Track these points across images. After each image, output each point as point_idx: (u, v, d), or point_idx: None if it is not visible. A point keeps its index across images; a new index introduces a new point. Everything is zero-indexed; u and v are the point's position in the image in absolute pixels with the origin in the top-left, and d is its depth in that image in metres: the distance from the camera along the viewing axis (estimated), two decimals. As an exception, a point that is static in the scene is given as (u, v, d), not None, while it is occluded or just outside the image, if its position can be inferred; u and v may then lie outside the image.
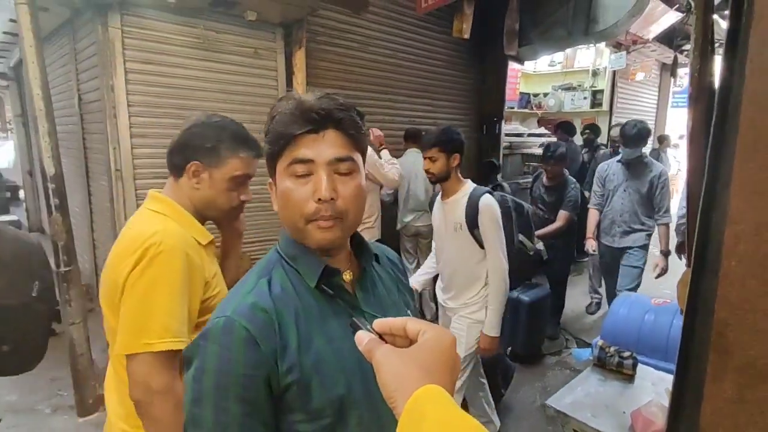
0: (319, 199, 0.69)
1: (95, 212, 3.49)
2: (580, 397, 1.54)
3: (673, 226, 3.30)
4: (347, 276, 0.79)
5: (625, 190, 3.37)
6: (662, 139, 7.99)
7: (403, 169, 3.70)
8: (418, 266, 4.02)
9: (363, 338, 0.52)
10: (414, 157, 3.76)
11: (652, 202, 3.26)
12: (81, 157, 3.48)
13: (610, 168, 3.51)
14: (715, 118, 1.03)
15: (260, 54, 3.35)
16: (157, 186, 3.10)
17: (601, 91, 8.07)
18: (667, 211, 3.20)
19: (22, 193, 7.16)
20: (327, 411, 0.70)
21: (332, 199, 0.70)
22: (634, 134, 3.24)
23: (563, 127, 5.58)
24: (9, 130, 10.28)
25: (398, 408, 0.44)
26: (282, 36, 3.42)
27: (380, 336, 0.53)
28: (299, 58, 3.43)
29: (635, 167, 3.33)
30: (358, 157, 0.75)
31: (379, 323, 0.54)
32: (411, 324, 0.52)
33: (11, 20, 3.43)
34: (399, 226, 3.91)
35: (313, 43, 3.59)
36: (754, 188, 0.95)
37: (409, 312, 0.88)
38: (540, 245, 2.92)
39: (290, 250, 0.77)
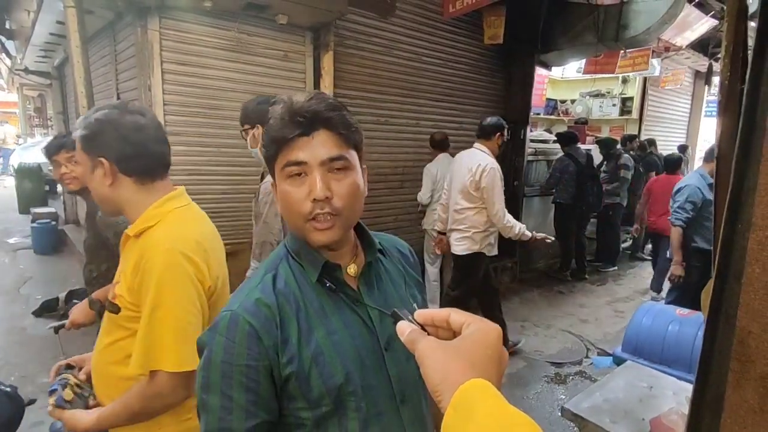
0: (315, 199, 0.71)
1: (129, 206, 3.64)
2: (598, 402, 1.53)
3: None
4: (351, 270, 0.81)
5: None
6: (683, 149, 7.72)
7: (437, 174, 3.79)
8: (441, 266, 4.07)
9: (405, 329, 0.51)
10: (445, 161, 3.82)
11: None
12: (117, 153, 3.64)
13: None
14: (741, 125, 1.03)
15: (289, 57, 3.44)
16: (189, 182, 3.21)
17: (631, 99, 7.92)
18: None
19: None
20: (325, 400, 0.73)
21: (327, 198, 0.72)
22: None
23: (559, 138, 5.51)
24: (50, 126, 10.76)
25: (444, 401, 0.43)
26: (311, 39, 3.50)
27: (422, 327, 0.52)
28: (327, 62, 3.51)
29: None
30: (351, 154, 0.76)
31: (422, 314, 0.53)
32: (455, 315, 0.50)
33: (59, 22, 3.62)
34: (426, 226, 3.97)
35: (340, 46, 3.66)
36: (781, 195, 0.95)
37: (416, 306, 0.87)
38: None
39: (294, 246, 0.80)
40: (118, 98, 3.56)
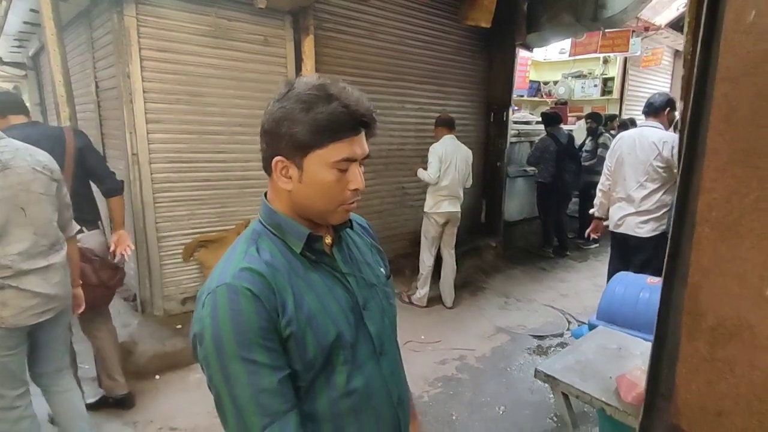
0: (356, 189, 0.82)
1: (113, 195, 3.63)
2: (570, 363, 1.62)
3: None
4: (327, 240, 0.89)
5: None
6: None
7: (444, 154, 3.70)
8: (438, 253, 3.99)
9: None
10: (451, 142, 3.76)
11: None
12: (99, 142, 3.60)
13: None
14: (693, 93, 1.10)
15: (270, 41, 3.42)
16: (171, 170, 3.20)
17: (612, 79, 7.99)
18: None
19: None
20: (318, 358, 0.79)
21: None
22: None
23: (543, 118, 5.61)
24: (27, 119, 10.49)
25: None
26: (291, 23, 3.49)
27: None
28: (308, 45, 3.50)
29: None
30: None
31: None
32: None
33: (32, 10, 3.55)
34: (428, 210, 3.86)
35: (321, 30, 3.65)
36: (726, 158, 1.03)
37: (382, 270, 0.98)
38: None
39: (273, 220, 0.85)
40: (97, 87, 3.52)
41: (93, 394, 2.74)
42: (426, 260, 3.94)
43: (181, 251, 3.26)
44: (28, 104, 7.13)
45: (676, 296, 1.14)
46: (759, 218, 0.97)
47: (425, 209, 3.87)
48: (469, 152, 3.88)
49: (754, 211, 0.97)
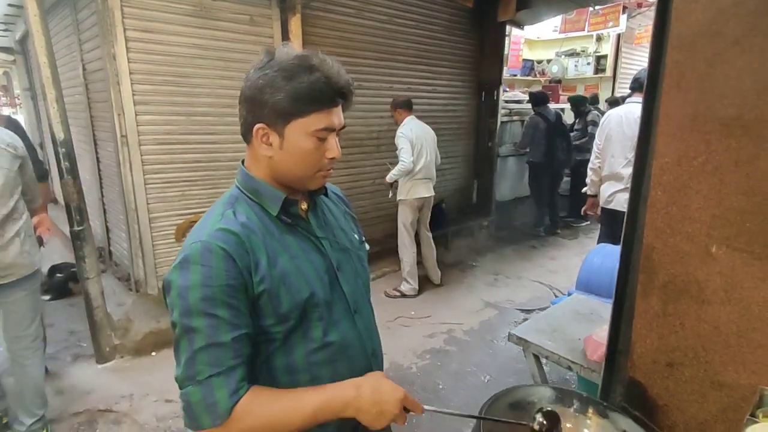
0: (332, 158, 0.87)
1: (104, 177, 3.66)
2: (542, 327, 1.70)
3: None
4: (303, 206, 0.94)
5: None
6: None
7: (414, 137, 3.61)
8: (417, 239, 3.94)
9: None
10: (416, 123, 3.68)
11: None
12: (88, 125, 3.62)
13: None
14: (648, 61, 1.14)
15: (256, 21, 3.41)
16: (161, 152, 3.22)
17: (605, 57, 7.95)
18: None
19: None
20: (293, 313, 0.85)
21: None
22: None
23: (531, 98, 5.59)
24: (18, 104, 10.43)
25: None
26: (277, 2, 3.47)
27: None
28: (295, 25, 3.50)
29: None
30: None
31: None
32: None
33: (15, -8, 3.52)
34: (404, 197, 3.74)
35: (308, 9, 3.64)
36: (677, 123, 1.08)
37: (356, 235, 1.04)
38: None
39: (250, 185, 0.89)
40: (84, 69, 3.52)
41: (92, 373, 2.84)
42: (409, 248, 3.84)
43: (173, 231, 3.31)
44: (18, 90, 7.01)
45: (634, 257, 1.20)
46: (705, 181, 1.02)
47: (400, 197, 3.74)
48: (432, 131, 3.79)
49: (701, 174, 1.03)
